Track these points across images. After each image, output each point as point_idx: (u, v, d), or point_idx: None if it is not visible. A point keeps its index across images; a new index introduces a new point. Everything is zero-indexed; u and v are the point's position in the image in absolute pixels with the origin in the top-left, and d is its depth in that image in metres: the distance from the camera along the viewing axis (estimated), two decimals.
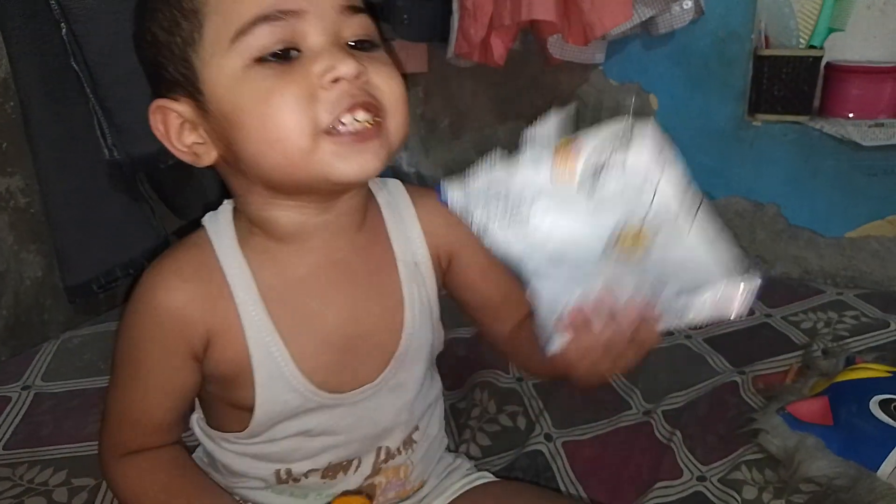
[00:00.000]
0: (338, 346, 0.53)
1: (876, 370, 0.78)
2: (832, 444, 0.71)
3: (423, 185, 0.60)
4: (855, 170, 1.12)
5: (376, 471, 0.59)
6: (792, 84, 1.12)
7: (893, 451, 0.68)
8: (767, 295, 1.06)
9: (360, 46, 0.48)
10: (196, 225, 0.55)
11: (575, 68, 1.23)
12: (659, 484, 0.72)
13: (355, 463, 0.57)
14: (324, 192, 0.49)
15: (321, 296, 0.53)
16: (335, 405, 0.54)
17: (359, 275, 0.54)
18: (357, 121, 0.46)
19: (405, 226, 0.57)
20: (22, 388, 0.88)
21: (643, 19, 1.06)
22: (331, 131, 0.45)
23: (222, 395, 0.55)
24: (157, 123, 0.50)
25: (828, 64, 1.12)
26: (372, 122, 0.46)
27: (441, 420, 0.66)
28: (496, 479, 0.66)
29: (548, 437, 0.80)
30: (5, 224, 1.02)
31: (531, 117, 1.56)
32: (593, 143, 0.45)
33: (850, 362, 0.83)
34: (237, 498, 0.58)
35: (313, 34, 0.46)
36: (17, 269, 1.04)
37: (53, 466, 0.75)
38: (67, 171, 0.93)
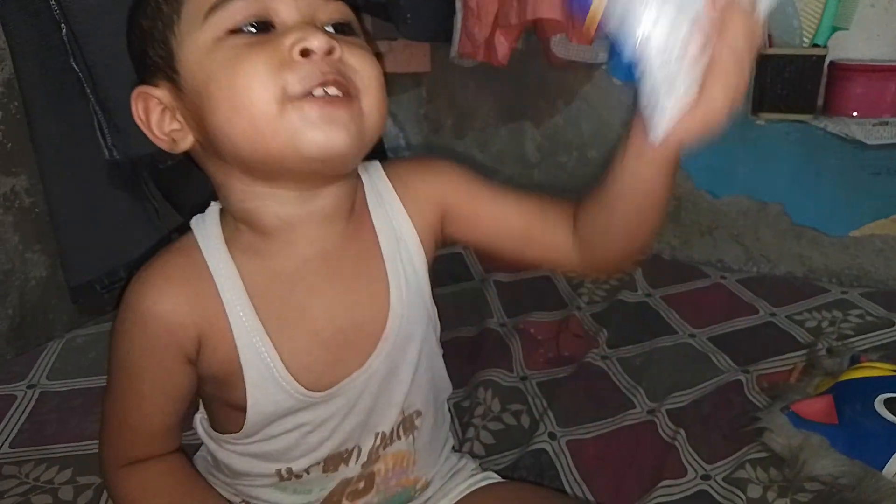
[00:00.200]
0: (328, 340, 0.53)
1: (881, 369, 0.78)
2: (837, 443, 0.71)
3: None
4: (859, 169, 1.11)
5: (375, 458, 0.57)
6: (796, 83, 1.12)
7: None
8: (772, 294, 1.06)
9: (338, 31, 0.49)
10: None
11: (578, 67, 1.23)
12: (663, 482, 0.72)
13: (355, 452, 0.57)
14: (300, 175, 0.48)
15: (310, 291, 0.52)
16: (328, 398, 0.53)
17: (347, 265, 0.53)
18: (329, 94, 0.45)
19: (386, 204, 0.56)
20: (27, 387, 0.88)
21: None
22: (298, 98, 0.45)
23: (217, 395, 0.55)
24: (137, 111, 0.50)
25: (831, 63, 1.12)
26: (344, 95, 0.46)
27: (445, 411, 0.65)
28: (501, 479, 0.65)
29: (552, 436, 0.80)
30: (10, 224, 1.02)
31: (534, 117, 1.57)
32: None
33: (854, 361, 0.83)
34: (243, 496, 0.59)
35: (286, 12, 0.47)
36: (22, 269, 1.04)
37: (59, 464, 0.75)
38: (70, 170, 0.94)
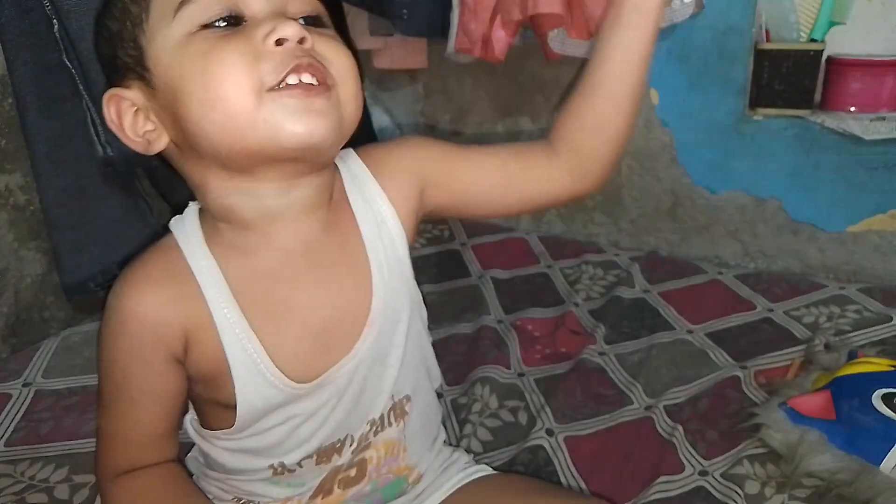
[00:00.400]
0: (313, 331, 0.52)
1: (878, 364, 0.78)
2: (834, 439, 0.71)
3: None
4: (856, 164, 1.11)
5: (365, 444, 0.57)
6: (793, 78, 1.11)
7: None
8: (769, 290, 1.06)
9: (309, 24, 0.49)
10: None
11: (575, 63, 1.22)
12: (661, 478, 0.72)
13: (347, 441, 0.56)
14: (280, 166, 0.48)
15: (293, 284, 0.52)
16: (317, 389, 0.53)
17: (328, 255, 0.53)
18: (304, 81, 0.45)
19: (364, 188, 0.56)
20: (23, 385, 0.88)
21: None
22: (275, 89, 0.45)
23: (206, 394, 0.54)
24: (110, 114, 0.50)
25: (829, 58, 1.12)
26: (320, 83, 0.46)
27: (437, 401, 0.65)
28: (494, 472, 0.65)
29: (549, 432, 0.79)
30: (5, 222, 1.02)
31: (532, 113, 1.57)
32: None
33: (852, 357, 0.83)
34: (236, 493, 0.58)
35: (257, 4, 0.47)
36: (17, 267, 1.04)
37: (55, 463, 0.75)
38: (63, 168, 0.93)
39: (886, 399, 0.72)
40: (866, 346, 0.89)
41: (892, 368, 0.77)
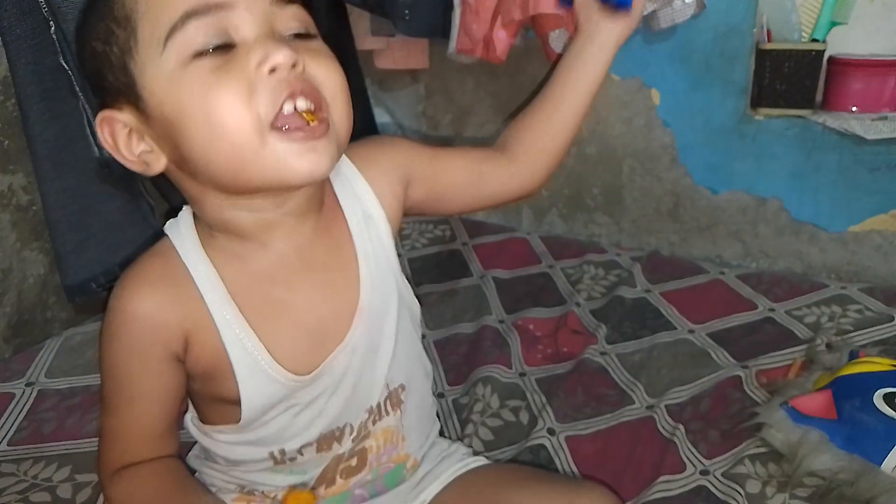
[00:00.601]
0: (309, 328, 0.54)
1: (880, 364, 0.78)
2: (836, 439, 0.71)
3: None
4: (858, 164, 1.11)
5: (365, 433, 0.59)
6: (794, 78, 1.11)
7: None
8: (771, 290, 1.06)
9: (299, 34, 0.49)
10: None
11: None
12: (662, 478, 0.72)
13: (347, 430, 0.58)
14: (277, 190, 0.50)
15: (288, 286, 0.54)
16: (315, 379, 0.55)
17: (320, 255, 0.55)
18: (297, 109, 0.46)
19: (351, 184, 0.58)
20: (26, 385, 0.88)
21: (645, 14, 1.06)
22: (276, 126, 0.46)
23: (208, 391, 0.55)
24: (104, 135, 0.50)
25: (830, 58, 1.11)
26: (317, 119, 0.47)
27: (431, 393, 0.67)
28: (492, 462, 0.66)
29: (550, 432, 0.79)
30: (7, 222, 1.02)
31: None
32: None
33: (853, 356, 0.83)
34: (239, 482, 0.59)
35: (245, 27, 0.46)
36: (19, 268, 1.04)
37: (57, 462, 0.75)
38: (64, 169, 0.93)
39: (888, 399, 0.72)
40: (868, 345, 0.89)
41: (894, 368, 0.77)
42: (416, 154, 0.62)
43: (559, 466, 0.75)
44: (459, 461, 0.65)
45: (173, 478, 0.55)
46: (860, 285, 1.05)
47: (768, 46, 1.12)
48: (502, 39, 1.15)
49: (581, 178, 1.33)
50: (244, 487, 0.59)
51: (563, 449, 0.77)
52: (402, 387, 0.61)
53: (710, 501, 0.69)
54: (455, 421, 0.83)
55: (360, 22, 1.32)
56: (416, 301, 0.62)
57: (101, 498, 0.71)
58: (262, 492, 0.59)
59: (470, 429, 0.81)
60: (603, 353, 0.94)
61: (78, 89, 0.90)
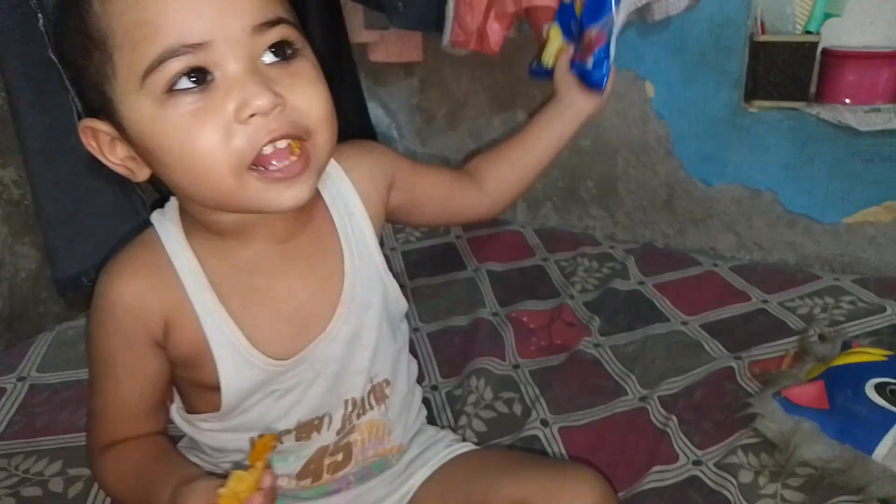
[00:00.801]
0: (289, 315, 0.55)
1: (872, 354, 0.78)
2: (828, 428, 0.71)
3: None
4: (852, 156, 1.11)
5: (350, 428, 0.60)
6: (788, 70, 1.11)
7: (888, 434, 0.68)
8: (764, 281, 1.06)
9: (280, 54, 0.47)
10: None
11: None
12: (655, 468, 0.72)
13: (326, 420, 0.59)
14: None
15: (269, 276, 0.55)
16: (295, 365, 0.55)
17: (303, 246, 0.56)
18: (279, 147, 0.46)
19: (336, 183, 0.59)
20: (17, 380, 0.88)
21: (639, 6, 1.05)
22: (255, 167, 0.46)
23: (189, 376, 0.57)
24: (88, 140, 0.50)
25: (824, 50, 1.11)
26: (297, 153, 0.46)
27: (417, 386, 0.68)
28: (479, 447, 0.67)
29: (544, 423, 0.80)
30: None
31: (528, 106, 1.56)
32: None
33: (846, 347, 0.83)
34: (227, 472, 0.59)
35: (224, 62, 0.45)
36: (11, 262, 1.04)
37: (49, 457, 0.75)
38: (55, 162, 0.93)
39: (879, 388, 0.72)
40: (860, 336, 0.89)
41: (886, 358, 0.77)
42: (400, 162, 0.64)
43: (552, 457, 0.75)
44: (447, 447, 0.66)
45: (156, 450, 0.56)
46: (853, 277, 1.05)
47: (762, 38, 1.12)
48: (496, 31, 1.14)
49: (575, 171, 1.33)
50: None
51: (556, 440, 0.77)
52: (387, 381, 0.62)
53: (703, 491, 0.69)
54: (449, 413, 0.83)
55: (354, 15, 1.31)
56: (403, 297, 0.63)
57: (94, 492, 0.71)
58: None
59: (463, 420, 0.81)
60: (596, 345, 0.94)
61: (68, 83, 0.89)
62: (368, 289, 0.59)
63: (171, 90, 0.44)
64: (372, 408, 0.61)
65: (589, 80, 0.68)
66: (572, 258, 1.18)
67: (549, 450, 0.76)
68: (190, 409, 0.60)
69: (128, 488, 0.55)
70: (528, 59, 1.33)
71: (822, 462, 0.69)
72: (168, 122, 0.45)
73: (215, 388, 0.54)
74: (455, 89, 1.44)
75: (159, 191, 1.06)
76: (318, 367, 0.56)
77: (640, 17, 1.11)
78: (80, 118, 0.89)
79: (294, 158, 0.46)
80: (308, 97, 0.47)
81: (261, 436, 0.53)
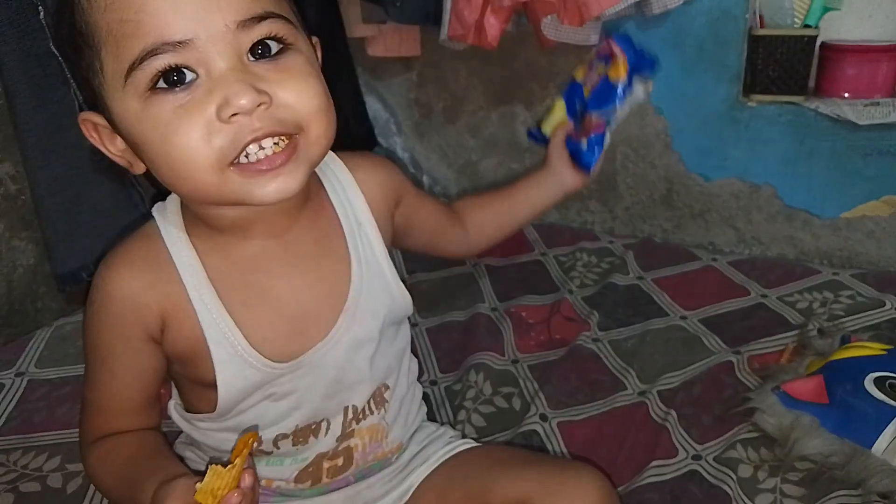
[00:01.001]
0: (290, 316, 0.55)
1: (871, 348, 0.78)
2: (827, 423, 0.71)
3: (418, 169, 0.65)
4: (850, 150, 1.11)
5: (349, 433, 0.59)
6: (787, 64, 1.11)
7: (887, 428, 0.68)
8: (763, 276, 1.06)
9: (266, 50, 0.46)
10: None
11: (569, 50, 1.22)
12: (654, 463, 0.72)
13: (324, 425, 0.58)
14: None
15: (270, 274, 0.54)
16: (294, 369, 0.55)
17: (307, 247, 0.55)
18: (263, 148, 0.45)
19: (345, 191, 0.59)
20: (15, 375, 0.88)
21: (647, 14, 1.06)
22: (236, 163, 0.45)
23: (186, 374, 0.56)
24: (90, 132, 0.51)
25: (823, 44, 1.11)
26: (282, 144, 0.46)
27: (417, 385, 0.68)
28: (479, 444, 0.66)
29: (543, 418, 0.80)
30: None
31: (526, 101, 1.56)
32: None
33: (845, 341, 0.83)
34: None
35: (208, 59, 0.44)
36: (9, 257, 1.03)
37: (48, 452, 0.75)
38: (54, 157, 0.92)
39: (878, 382, 0.72)
40: (859, 330, 0.89)
41: (885, 352, 0.77)
42: (407, 184, 0.65)
43: (551, 452, 0.75)
44: (447, 444, 0.66)
45: (147, 445, 0.56)
46: (852, 271, 1.05)
47: (761, 32, 1.11)
48: (493, 25, 1.14)
49: None
50: None
51: (555, 435, 0.77)
52: (386, 386, 0.62)
53: (703, 486, 0.69)
54: (448, 408, 0.83)
55: (352, 9, 1.31)
56: (411, 303, 0.62)
57: (92, 488, 0.70)
58: None
59: (462, 415, 0.81)
60: (595, 340, 0.94)
61: (69, 76, 0.89)
62: (375, 298, 0.58)
63: (154, 88, 0.44)
64: (372, 413, 0.60)
65: (579, 160, 0.73)
66: (571, 253, 1.18)
67: (548, 444, 0.76)
68: (188, 406, 0.59)
69: (114, 482, 0.55)
70: (526, 53, 1.34)
71: (821, 456, 0.69)
72: (151, 119, 0.45)
73: (212, 385, 0.53)
74: (453, 83, 1.44)
75: (155, 185, 1.06)
76: (318, 372, 0.56)
77: (638, 11, 1.11)
78: (82, 111, 0.90)
79: (277, 149, 0.46)
80: (297, 92, 0.46)
81: (243, 432, 0.52)
